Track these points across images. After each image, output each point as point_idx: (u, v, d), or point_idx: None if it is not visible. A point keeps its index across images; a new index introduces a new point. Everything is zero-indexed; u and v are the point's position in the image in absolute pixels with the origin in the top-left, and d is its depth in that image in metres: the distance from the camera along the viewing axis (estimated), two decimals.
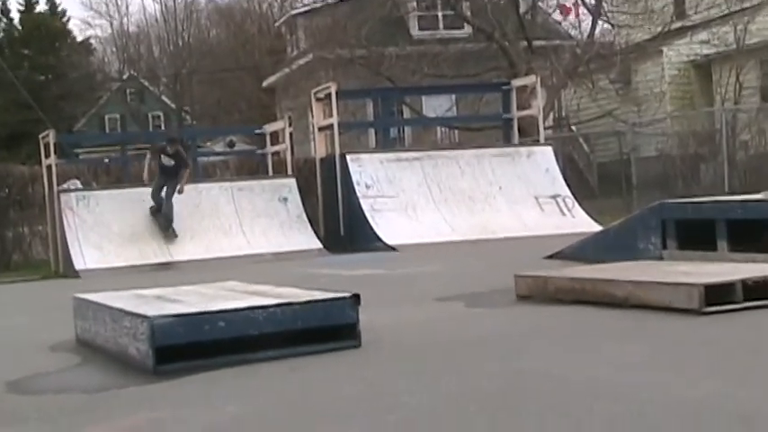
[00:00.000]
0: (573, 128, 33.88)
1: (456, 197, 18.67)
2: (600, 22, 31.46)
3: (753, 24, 29.35)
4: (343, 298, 5.99)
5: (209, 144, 42.31)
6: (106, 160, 25.97)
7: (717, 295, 6.25)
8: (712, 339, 5.60)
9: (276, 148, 21.62)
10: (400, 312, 7.86)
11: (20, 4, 53.90)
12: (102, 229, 17.69)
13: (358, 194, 18.29)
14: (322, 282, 10.90)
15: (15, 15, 54.02)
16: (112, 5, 70.08)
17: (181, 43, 57.67)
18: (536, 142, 20.70)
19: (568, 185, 19.49)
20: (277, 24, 45.09)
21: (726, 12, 30.09)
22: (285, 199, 19.01)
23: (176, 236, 17.65)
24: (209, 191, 18.76)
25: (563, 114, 34.63)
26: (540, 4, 32.90)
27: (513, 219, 18.18)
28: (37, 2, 54.20)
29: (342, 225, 18.89)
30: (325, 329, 5.86)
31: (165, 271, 15.99)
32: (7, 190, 21.76)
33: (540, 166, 19.42)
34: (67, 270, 17.42)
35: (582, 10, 31.94)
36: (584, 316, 6.78)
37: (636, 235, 10.21)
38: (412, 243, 16.66)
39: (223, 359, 5.58)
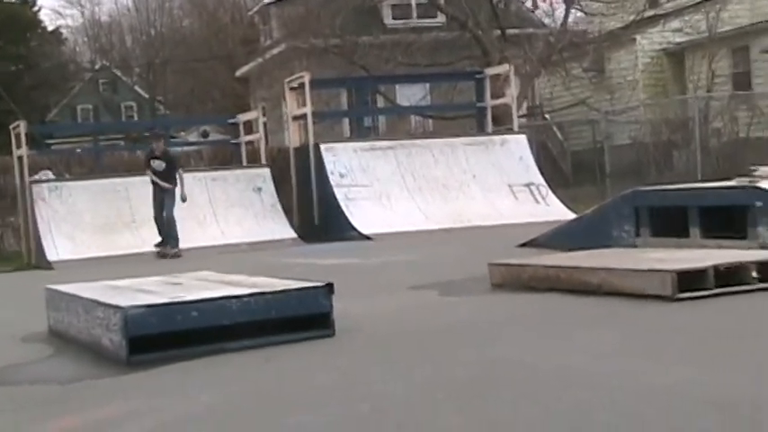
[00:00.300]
0: (547, 116, 33.95)
1: (430, 186, 18.70)
2: (573, 11, 31.53)
3: (725, 12, 29.49)
4: (317, 287, 5.99)
5: (182, 134, 42.15)
6: (78, 150, 25.84)
7: (689, 282, 6.29)
8: (684, 326, 5.63)
9: (250, 137, 21.56)
10: (374, 301, 7.86)
11: None
12: (74, 220, 17.60)
13: (332, 184, 18.28)
14: (296, 271, 10.89)
15: None
16: None
17: (153, 33, 57.33)
18: (510, 130, 20.75)
19: (542, 173, 19.57)
20: (250, 14, 44.92)
21: (698, 0, 30.20)
22: (259, 189, 18.98)
23: (180, 255, 16.50)
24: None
25: (537, 103, 34.67)
26: None
27: (487, 207, 18.23)
28: None
29: (316, 214, 18.89)
30: (299, 319, 5.86)
31: (138, 261, 15.92)
32: None
33: (513, 154, 19.47)
34: (40, 261, 17.32)
35: None
36: (558, 303, 6.81)
37: (609, 222, 10.25)
38: (386, 232, 16.67)
39: (197, 349, 5.58)
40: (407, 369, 4.93)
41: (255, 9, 43.12)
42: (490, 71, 21.85)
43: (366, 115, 28.35)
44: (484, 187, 18.79)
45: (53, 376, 5.64)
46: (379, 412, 4.09)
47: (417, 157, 19.09)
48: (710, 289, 6.33)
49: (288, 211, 19.10)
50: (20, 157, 19.08)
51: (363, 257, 13.03)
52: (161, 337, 5.55)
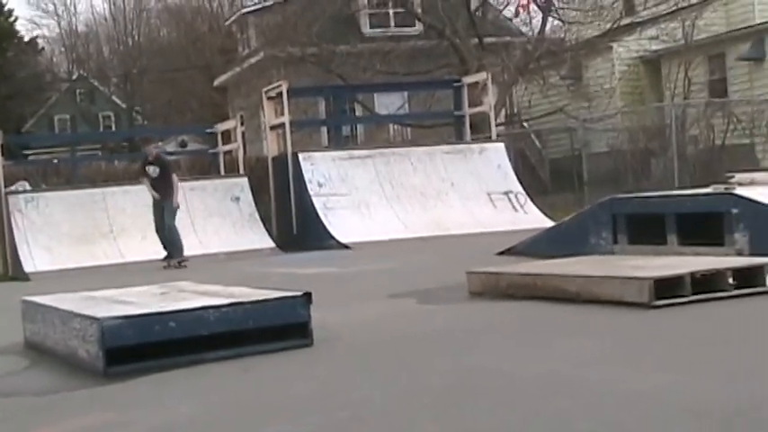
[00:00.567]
0: (525, 124, 34.03)
1: (408, 194, 18.70)
2: (550, 19, 31.65)
3: (700, 20, 29.63)
4: (295, 297, 5.98)
5: (160, 144, 41.91)
6: (55, 161, 25.72)
7: (666, 289, 6.32)
8: (662, 333, 5.65)
9: (228, 147, 21.52)
10: (352, 310, 7.85)
11: None
12: (51, 231, 17.50)
13: (310, 193, 18.25)
14: (274, 281, 10.87)
15: None
16: (60, 4, 69.36)
17: (131, 43, 57.19)
18: (488, 139, 20.76)
19: (520, 181, 19.59)
20: (228, 23, 44.83)
21: (674, 8, 30.32)
22: (237, 198, 18.94)
23: (186, 264, 16.19)
24: None
25: (515, 111, 34.76)
26: (490, 0, 33.00)
27: (466, 215, 18.24)
28: None
29: (295, 224, 18.85)
30: (276, 328, 5.84)
31: (116, 272, 15.84)
32: None
33: (492, 162, 19.50)
34: (17, 273, 17.21)
35: (532, 7, 32.08)
36: (537, 311, 6.82)
37: (587, 230, 10.29)
38: (365, 241, 16.65)
39: (175, 360, 5.55)
40: (385, 378, 4.92)
41: (233, 18, 43.05)
42: (468, 79, 21.88)
43: (344, 124, 28.27)
44: (462, 195, 18.80)
45: (29, 388, 5.60)
46: (357, 421, 4.08)
47: (396, 166, 19.09)
48: (687, 296, 6.36)
49: (266, 221, 19.07)
50: None
51: (342, 266, 13.02)
52: (138, 348, 5.52)
